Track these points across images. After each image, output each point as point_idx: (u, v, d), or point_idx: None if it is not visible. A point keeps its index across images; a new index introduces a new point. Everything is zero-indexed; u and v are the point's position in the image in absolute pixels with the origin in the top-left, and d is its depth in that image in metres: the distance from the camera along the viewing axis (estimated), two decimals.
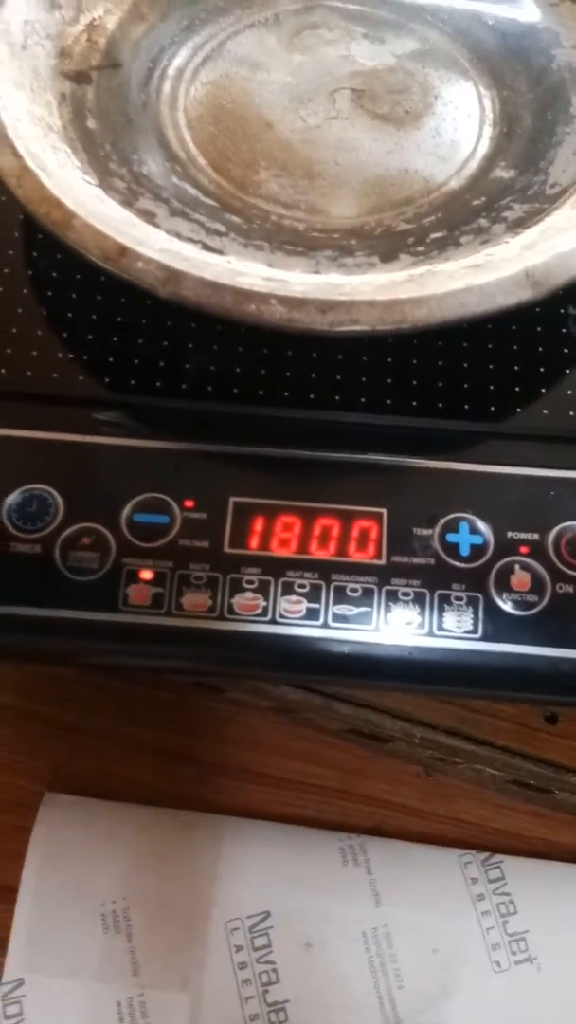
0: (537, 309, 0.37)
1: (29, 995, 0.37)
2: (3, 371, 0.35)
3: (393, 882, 0.39)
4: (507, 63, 0.44)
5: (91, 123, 0.38)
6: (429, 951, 0.38)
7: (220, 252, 0.34)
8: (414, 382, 0.36)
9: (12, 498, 0.33)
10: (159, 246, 0.32)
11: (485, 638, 0.32)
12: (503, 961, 0.38)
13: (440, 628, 0.32)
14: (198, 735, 0.42)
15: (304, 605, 0.32)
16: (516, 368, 0.37)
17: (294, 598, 0.32)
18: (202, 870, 0.39)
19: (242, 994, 0.37)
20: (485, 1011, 0.37)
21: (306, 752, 0.42)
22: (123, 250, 0.31)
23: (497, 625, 0.32)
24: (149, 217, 0.34)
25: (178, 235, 0.34)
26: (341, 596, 0.32)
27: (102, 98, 0.39)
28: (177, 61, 0.42)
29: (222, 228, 0.35)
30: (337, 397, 0.36)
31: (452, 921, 0.39)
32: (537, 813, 0.41)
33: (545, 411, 0.36)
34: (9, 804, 0.40)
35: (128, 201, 0.35)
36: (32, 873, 0.38)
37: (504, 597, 0.32)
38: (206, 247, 0.34)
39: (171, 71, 0.42)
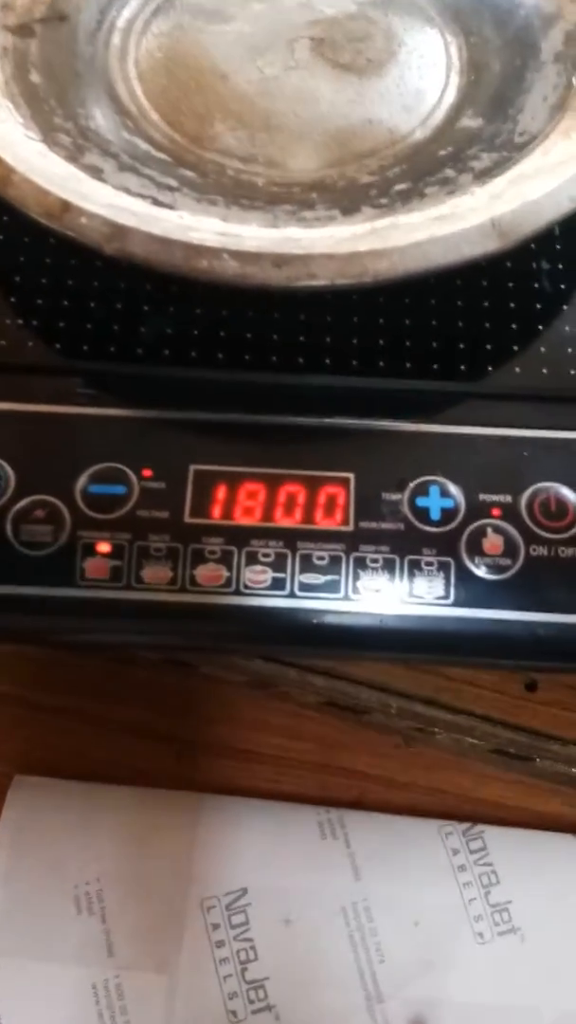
0: (509, 264, 0.36)
1: (3, 979, 0.36)
2: None
3: (372, 855, 0.38)
4: (473, 8, 0.42)
5: (35, 77, 0.36)
6: (410, 924, 0.37)
7: (171, 207, 0.32)
8: (381, 341, 0.35)
9: None
10: (105, 201, 0.30)
11: (458, 604, 0.31)
12: (486, 932, 0.37)
13: (411, 595, 0.31)
14: (172, 712, 0.41)
15: (269, 575, 0.31)
16: (487, 325, 0.36)
17: (259, 568, 0.31)
18: (177, 849, 0.38)
19: (220, 972, 0.36)
20: (469, 983, 0.37)
21: (283, 726, 0.41)
22: (66, 206, 0.29)
23: (470, 590, 0.31)
24: (96, 172, 0.33)
25: (127, 190, 0.32)
26: (308, 564, 0.31)
27: (47, 52, 0.37)
28: (127, 12, 0.40)
29: (174, 183, 0.34)
30: (300, 359, 0.34)
31: (433, 893, 0.38)
32: (519, 781, 0.40)
33: (518, 369, 0.35)
34: None
35: (73, 156, 0.33)
36: (3, 857, 0.37)
37: (477, 561, 0.31)
38: (156, 202, 0.32)
39: (121, 22, 0.40)
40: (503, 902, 0.38)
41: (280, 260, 0.29)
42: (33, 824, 0.38)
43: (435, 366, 0.35)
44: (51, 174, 0.31)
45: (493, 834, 0.39)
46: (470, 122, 0.38)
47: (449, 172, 0.36)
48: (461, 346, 0.35)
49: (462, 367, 0.35)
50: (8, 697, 0.41)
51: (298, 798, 0.40)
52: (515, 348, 0.36)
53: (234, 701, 0.41)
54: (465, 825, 0.39)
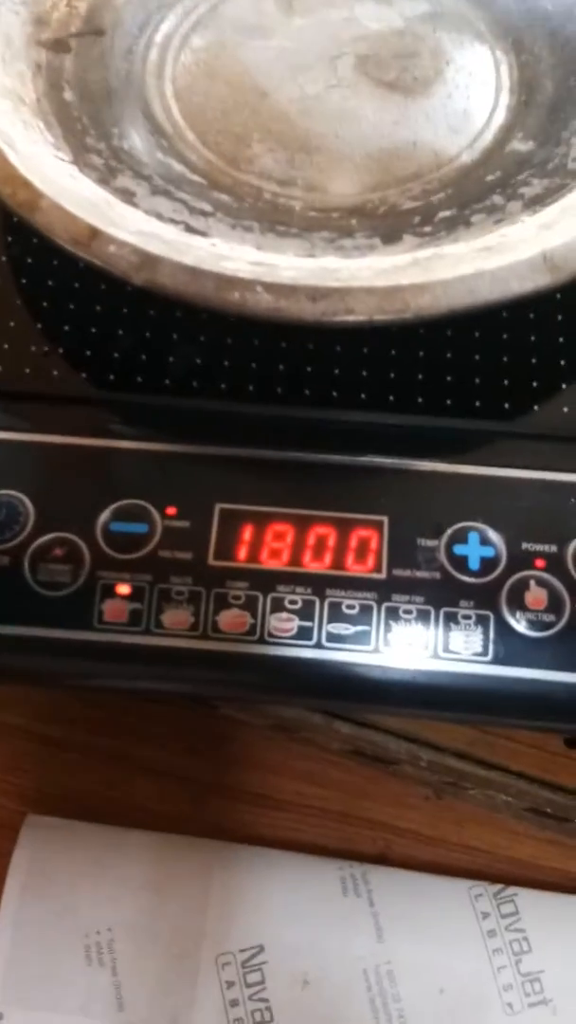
0: (558, 295, 0.34)
1: None
2: None
3: (397, 915, 0.36)
4: (526, 26, 0.40)
5: (68, 95, 0.35)
6: (435, 991, 0.35)
7: (204, 234, 0.31)
8: (420, 376, 0.33)
9: None
10: (135, 228, 0.29)
11: (496, 661, 0.29)
12: (516, 1003, 0.35)
13: (446, 649, 0.29)
14: (190, 753, 0.40)
15: (296, 623, 0.29)
16: (533, 361, 0.34)
17: (285, 615, 0.29)
18: (192, 900, 0.36)
19: None
20: None
21: (305, 772, 0.39)
22: (94, 233, 0.28)
23: (510, 647, 0.29)
24: (127, 196, 0.31)
25: (159, 215, 0.31)
26: (337, 613, 0.29)
27: (81, 68, 0.36)
28: (165, 27, 0.39)
29: (208, 208, 0.32)
30: (334, 393, 0.33)
31: (461, 959, 0.36)
32: (554, 841, 0.38)
33: (565, 409, 0.33)
34: None
35: (105, 179, 0.32)
36: (12, 900, 0.36)
37: (518, 616, 0.29)
38: (189, 228, 0.31)
39: (158, 38, 0.39)
40: (535, 971, 0.36)
41: (316, 293, 0.27)
42: (45, 866, 0.37)
43: (477, 403, 0.33)
44: (80, 198, 0.29)
45: (526, 898, 0.37)
46: (520, 145, 0.36)
47: (497, 199, 0.34)
48: (505, 383, 0.33)
49: (505, 405, 0.33)
50: (23, 732, 0.40)
51: (319, 849, 0.38)
52: (563, 387, 0.34)
53: (254, 743, 0.40)
54: (496, 887, 0.37)
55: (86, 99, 0.35)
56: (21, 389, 0.32)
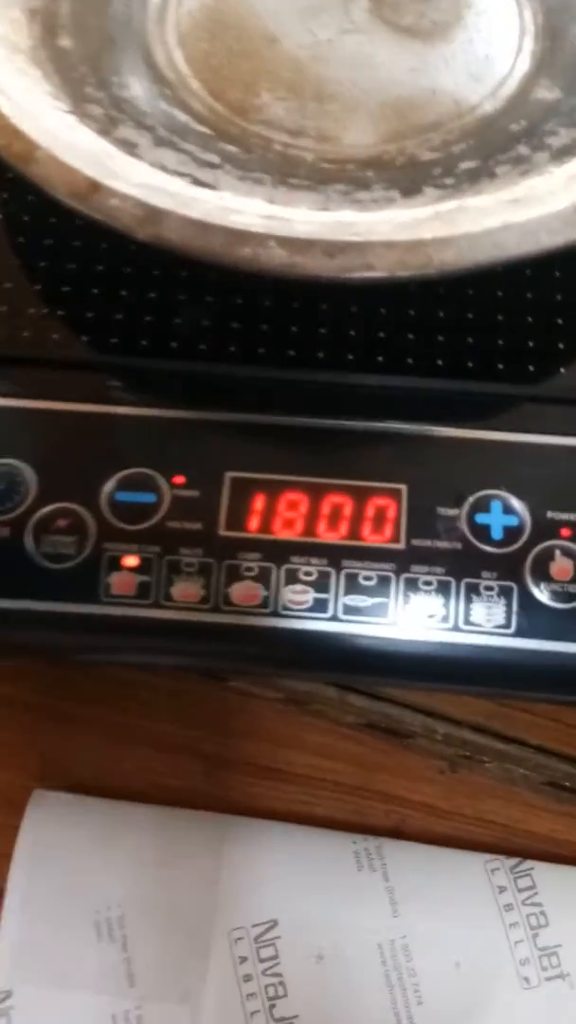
0: None
1: (18, 1007, 0.34)
2: None
3: (412, 889, 0.36)
4: None
5: (65, 42, 0.33)
6: (451, 965, 0.35)
7: (212, 187, 0.29)
8: (439, 338, 0.32)
9: None
10: (139, 180, 0.27)
11: (519, 633, 0.28)
12: (532, 977, 0.35)
13: (467, 622, 0.28)
14: (200, 726, 0.39)
15: (311, 595, 0.28)
16: (559, 322, 0.32)
17: (299, 587, 0.28)
18: (204, 874, 0.36)
19: (247, 1008, 0.34)
20: None
21: (318, 745, 0.38)
22: (94, 186, 0.26)
23: (533, 619, 0.28)
24: (129, 147, 0.30)
25: (163, 167, 0.29)
26: (353, 585, 0.28)
27: (78, 13, 0.34)
28: None
29: (216, 159, 0.31)
30: (350, 356, 0.31)
31: (477, 933, 0.35)
32: (573, 815, 0.37)
33: None
34: None
35: (106, 130, 0.30)
36: (20, 876, 0.35)
37: (542, 587, 0.28)
38: (196, 181, 0.29)
39: None
40: (552, 945, 0.35)
41: (333, 248, 0.26)
42: (52, 842, 0.36)
43: (500, 366, 0.32)
44: (80, 150, 0.28)
45: (543, 872, 0.36)
46: (546, 93, 0.35)
47: (523, 149, 0.32)
48: (529, 344, 0.32)
49: (529, 368, 0.32)
50: (30, 705, 0.39)
51: (332, 823, 0.37)
52: None
53: (266, 716, 0.39)
54: (513, 861, 0.36)
55: (84, 46, 0.33)
56: (19, 354, 0.31)
